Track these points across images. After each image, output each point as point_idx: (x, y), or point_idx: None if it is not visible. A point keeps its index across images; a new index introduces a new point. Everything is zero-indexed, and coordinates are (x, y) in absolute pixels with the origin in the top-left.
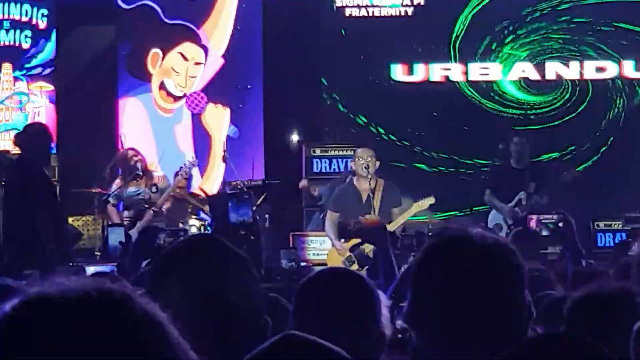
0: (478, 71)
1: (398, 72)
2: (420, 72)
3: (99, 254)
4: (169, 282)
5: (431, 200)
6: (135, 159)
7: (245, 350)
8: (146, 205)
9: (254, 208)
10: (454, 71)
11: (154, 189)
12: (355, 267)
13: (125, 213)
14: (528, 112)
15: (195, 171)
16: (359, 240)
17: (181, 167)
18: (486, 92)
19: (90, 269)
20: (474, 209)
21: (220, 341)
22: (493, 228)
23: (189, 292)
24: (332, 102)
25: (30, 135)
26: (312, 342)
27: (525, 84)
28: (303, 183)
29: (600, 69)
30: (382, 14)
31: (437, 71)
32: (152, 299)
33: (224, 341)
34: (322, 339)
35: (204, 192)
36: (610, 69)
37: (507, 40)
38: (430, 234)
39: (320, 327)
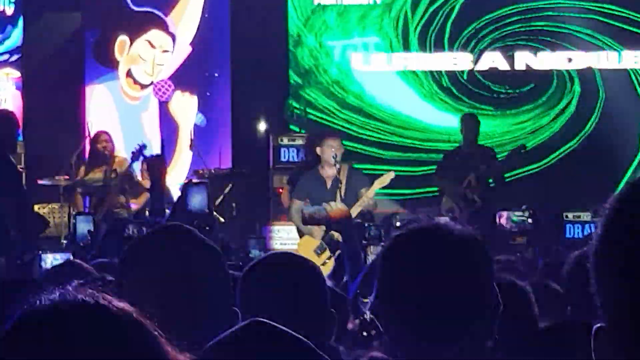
0: (448, 61)
1: (359, 60)
2: (382, 61)
3: (65, 242)
4: (138, 270)
5: (391, 175)
6: (104, 144)
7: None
8: (107, 192)
9: (221, 198)
10: (421, 61)
11: (112, 175)
12: (327, 253)
13: (88, 201)
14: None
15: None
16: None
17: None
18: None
19: (48, 257)
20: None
21: (189, 330)
22: (445, 213)
23: (158, 281)
24: (300, 91)
25: None
26: (278, 329)
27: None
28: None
29: (571, 60)
30: (351, 2)
31: (399, 61)
32: (121, 286)
33: (193, 330)
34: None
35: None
36: (582, 59)
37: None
38: (398, 224)
39: (267, 309)
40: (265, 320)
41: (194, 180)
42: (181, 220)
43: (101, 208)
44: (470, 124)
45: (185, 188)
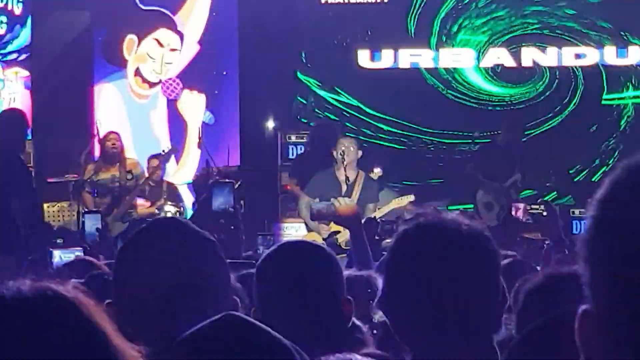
0: (450, 57)
1: (366, 58)
2: (388, 59)
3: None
4: (136, 265)
5: (410, 198)
6: (112, 142)
7: None
8: (122, 193)
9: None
10: (424, 57)
11: (129, 176)
12: None
13: (99, 199)
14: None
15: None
16: (332, 230)
17: (160, 153)
18: (449, 83)
19: (56, 253)
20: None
21: (188, 323)
22: (483, 207)
23: (156, 275)
24: (308, 88)
25: (6, 120)
26: (250, 323)
27: (494, 74)
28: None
29: (579, 56)
30: (359, 1)
31: (406, 57)
32: (118, 283)
33: (192, 320)
34: (286, 309)
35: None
36: (591, 56)
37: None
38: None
39: (283, 298)
40: (239, 314)
41: (220, 180)
42: (206, 219)
43: (118, 208)
44: (514, 125)
45: (211, 187)
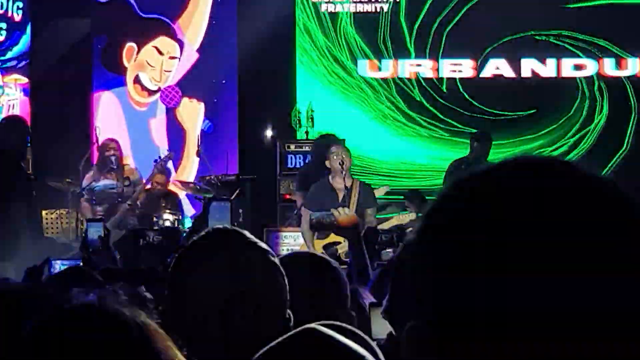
0: (449, 67)
1: (367, 68)
2: (389, 68)
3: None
4: (192, 275)
5: (412, 216)
6: (112, 151)
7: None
8: (119, 199)
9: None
10: (425, 67)
11: (126, 183)
12: None
13: (98, 208)
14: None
15: (169, 165)
16: (332, 240)
17: (156, 160)
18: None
19: (57, 263)
20: None
21: (245, 332)
22: None
23: (212, 285)
24: (306, 98)
25: (6, 127)
26: (332, 338)
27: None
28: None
29: (578, 67)
30: (358, 10)
31: (406, 67)
32: (175, 291)
33: (250, 332)
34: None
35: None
36: (589, 67)
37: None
38: (411, 229)
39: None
40: (318, 328)
41: (216, 197)
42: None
43: (114, 215)
44: (482, 144)
45: (207, 205)
